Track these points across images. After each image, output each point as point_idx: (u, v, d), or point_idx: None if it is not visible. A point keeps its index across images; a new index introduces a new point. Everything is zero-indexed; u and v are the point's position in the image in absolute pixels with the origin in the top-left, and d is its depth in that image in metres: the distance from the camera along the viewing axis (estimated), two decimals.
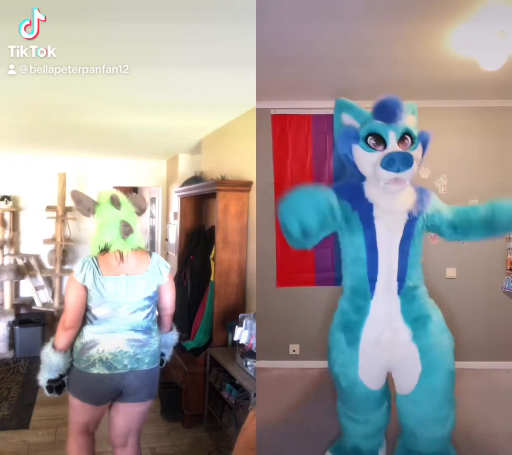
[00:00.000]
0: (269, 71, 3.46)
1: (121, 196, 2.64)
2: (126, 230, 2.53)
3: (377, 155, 2.40)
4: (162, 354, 2.78)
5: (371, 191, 2.53)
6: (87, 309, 2.51)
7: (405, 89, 3.96)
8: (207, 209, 5.28)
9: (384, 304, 2.56)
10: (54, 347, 2.50)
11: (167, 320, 2.81)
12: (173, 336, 2.85)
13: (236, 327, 3.59)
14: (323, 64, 3.47)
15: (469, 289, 4.50)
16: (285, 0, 2.55)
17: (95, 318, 2.52)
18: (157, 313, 2.75)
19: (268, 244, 4.59)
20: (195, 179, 5.23)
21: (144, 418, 2.74)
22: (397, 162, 2.29)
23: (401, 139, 2.42)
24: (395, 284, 2.54)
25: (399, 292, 2.55)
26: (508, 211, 2.50)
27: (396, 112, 2.39)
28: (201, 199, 5.30)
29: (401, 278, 2.53)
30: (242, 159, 4.26)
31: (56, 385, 2.54)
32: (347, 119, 2.57)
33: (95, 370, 2.48)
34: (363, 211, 2.51)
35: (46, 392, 2.55)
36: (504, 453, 2.81)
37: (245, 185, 4.08)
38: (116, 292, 2.49)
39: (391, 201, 2.49)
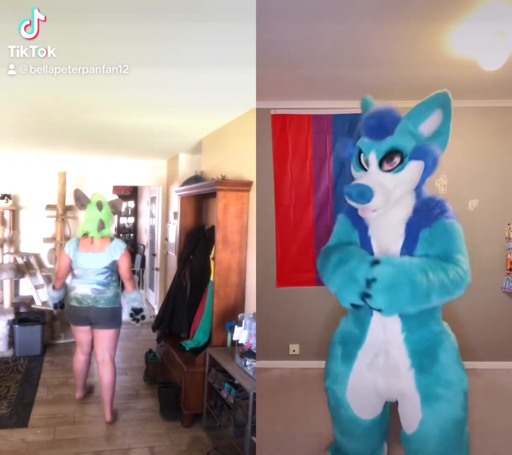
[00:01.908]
0: (269, 71, 3.46)
1: (104, 201, 4.03)
2: (100, 226, 3.97)
3: (360, 176, 2.30)
4: (137, 310, 4.12)
5: None
6: (71, 269, 4.09)
7: (405, 89, 3.97)
8: (207, 209, 5.28)
9: (381, 324, 2.39)
10: (53, 287, 4.21)
11: (126, 283, 4.09)
12: (134, 294, 4.11)
13: (236, 326, 3.59)
14: (323, 64, 3.48)
15: (469, 289, 4.47)
16: (285, 0, 2.56)
17: (75, 275, 4.10)
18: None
19: (268, 244, 4.60)
20: (195, 179, 5.23)
21: (111, 341, 4.11)
22: (354, 195, 2.19)
23: (388, 158, 2.23)
24: None
25: (400, 315, 2.33)
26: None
27: (382, 127, 2.22)
28: (201, 199, 5.30)
29: None
30: (242, 159, 4.26)
31: (59, 305, 4.23)
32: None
33: (73, 303, 4.04)
34: (361, 231, 2.44)
35: (54, 309, 4.34)
36: (504, 453, 2.81)
37: (245, 185, 4.07)
38: (85, 262, 4.00)
39: (377, 220, 2.36)
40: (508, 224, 4.51)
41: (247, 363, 3.38)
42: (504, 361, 4.51)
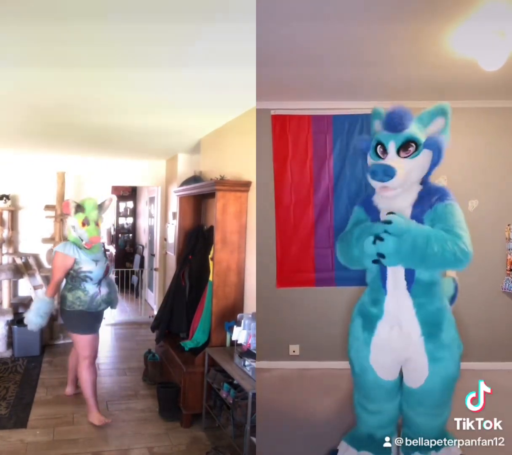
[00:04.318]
0: (269, 71, 3.46)
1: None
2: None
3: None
4: None
5: (376, 197, 2.75)
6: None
7: (405, 89, 3.98)
8: (206, 209, 5.28)
9: (394, 300, 2.71)
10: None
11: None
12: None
13: (235, 326, 3.59)
14: (323, 64, 3.47)
15: (469, 289, 4.49)
16: (285, 0, 2.55)
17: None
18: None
19: (268, 244, 4.59)
20: (194, 179, 5.23)
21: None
22: (379, 174, 2.51)
23: (404, 147, 2.56)
24: (403, 282, 2.66)
25: (409, 289, 2.66)
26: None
27: (401, 122, 2.56)
28: (200, 199, 5.30)
29: (409, 275, 2.64)
30: (241, 159, 4.25)
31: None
32: (377, 126, 2.74)
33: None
34: (373, 216, 2.74)
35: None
36: (505, 453, 2.81)
37: (244, 185, 4.07)
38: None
39: (388, 204, 2.68)
40: (508, 224, 4.51)
41: (246, 363, 3.38)
42: (504, 361, 4.52)
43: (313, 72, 3.63)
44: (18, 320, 5.86)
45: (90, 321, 4.08)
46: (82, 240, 3.96)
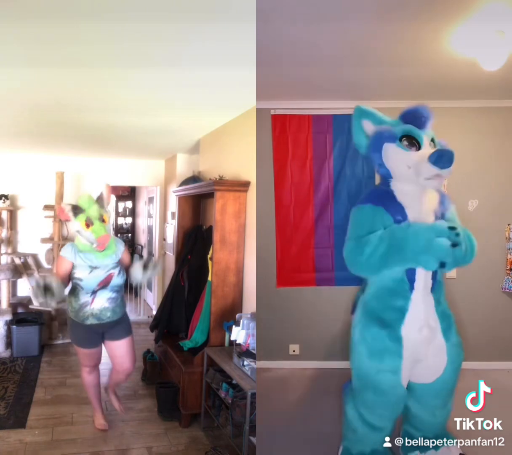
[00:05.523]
0: (269, 71, 3.45)
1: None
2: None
3: (414, 154, 2.52)
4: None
5: (401, 194, 2.61)
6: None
7: (405, 89, 3.98)
8: (204, 209, 5.28)
9: (422, 302, 2.65)
10: None
11: None
12: None
13: (233, 326, 3.59)
14: (323, 64, 3.47)
15: (469, 289, 4.50)
16: (285, 1, 2.55)
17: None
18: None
19: (268, 244, 4.59)
20: (193, 179, 5.23)
21: None
22: (445, 158, 2.41)
23: (432, 142, 2.59)
24: (430, 282, 2.64)
25: (432, 289, 2.66)
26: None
27: (428, 120, 2.61)
28: (199, 199, 5.30)
29: (434, 275, 2.64)
30: (240, 159, 4.25)
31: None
32: (368, 125, 2.65)
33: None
34: (396, 215, 2.57)
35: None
36: (505, 453, 2.81)
37: (243, 185, 4.07)
38: None
39: (418, 202, 2.58)
40: (508, 224, 4.50)
41: (245, 363, 3.38)
42: (504, 361, 4.51)
43: (313, 72, 3.63)
44: (17, 320, 5.86)
45: (81, 333, 3.68)
46: (92, 244, 3.40)
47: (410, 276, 2.58)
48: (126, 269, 3.67)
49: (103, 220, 3.41)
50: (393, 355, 2.63)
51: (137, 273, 3.58)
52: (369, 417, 2.75)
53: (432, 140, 2.60)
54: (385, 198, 2.61)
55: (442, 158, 2.41)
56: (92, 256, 3.47)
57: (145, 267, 3.58)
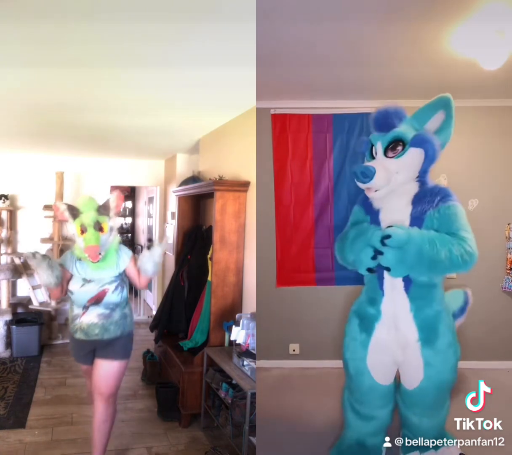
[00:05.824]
0: (269, 71, 3.45)
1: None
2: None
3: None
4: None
5: (374, 198, 2.70)
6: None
7: (405, 89, 3.97)
8: (204, 209, 5.28)
9: (391, 301, 2.67)
10: None
11: None
12: None
13: (233, 326, 3.59)
14: (323, 64, 3.47)
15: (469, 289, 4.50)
16: (285, 1, 2.55)
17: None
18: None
19: (268, 244, 4.59)
20: (193, 179, 5.23)
21: None
22: (358, 175, 2.54)
23: (392, 147, 2.57)
24: (400, 283, 2.61)
25: (406, 291, 2.62)
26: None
27: (386, 122, 2.60)
28: (198, 199, 5.30)
29: (406, 276, 2.57)
30: (240, 159, 4.25)
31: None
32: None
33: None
34: (372, 215, 2.72)
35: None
36: (505, 453, 2.81)
37: (242, 186, 4.07)
38: None
39: (384, 203, 2.67)
40: (508, 224, 4.50)
41: (245, 363, 3.38)
42: (504, 361, 4.51)
43: (313, 72, 3.63)
44: (16, 320, 5.86)
45: (73, 345, 3.37)
46: (84, 252, 3.01)
47: (379, 274, 2.65)
48: (133, 279, 3.29)
49: (100, 229, 3.03)
50: (361, 344, 2.77)
51: (146, 264, 3.18)
52: (353, 403, 2.89)
53: (400, 141, 2.56)
54: (366, 199, 2.75)
55: (356, 175, 2.55)
56: (87, 267, 3.11)
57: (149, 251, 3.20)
